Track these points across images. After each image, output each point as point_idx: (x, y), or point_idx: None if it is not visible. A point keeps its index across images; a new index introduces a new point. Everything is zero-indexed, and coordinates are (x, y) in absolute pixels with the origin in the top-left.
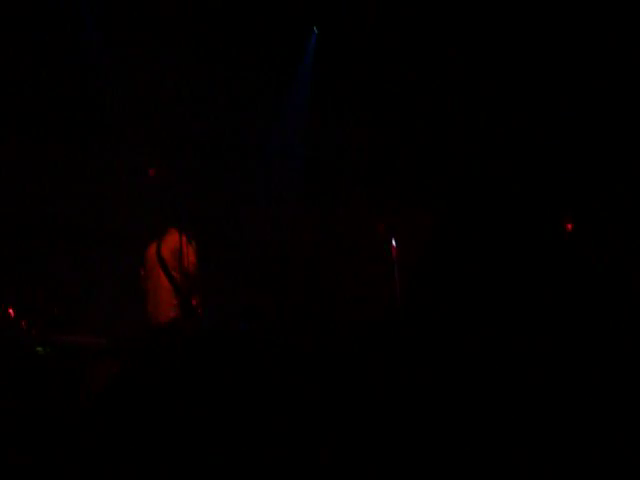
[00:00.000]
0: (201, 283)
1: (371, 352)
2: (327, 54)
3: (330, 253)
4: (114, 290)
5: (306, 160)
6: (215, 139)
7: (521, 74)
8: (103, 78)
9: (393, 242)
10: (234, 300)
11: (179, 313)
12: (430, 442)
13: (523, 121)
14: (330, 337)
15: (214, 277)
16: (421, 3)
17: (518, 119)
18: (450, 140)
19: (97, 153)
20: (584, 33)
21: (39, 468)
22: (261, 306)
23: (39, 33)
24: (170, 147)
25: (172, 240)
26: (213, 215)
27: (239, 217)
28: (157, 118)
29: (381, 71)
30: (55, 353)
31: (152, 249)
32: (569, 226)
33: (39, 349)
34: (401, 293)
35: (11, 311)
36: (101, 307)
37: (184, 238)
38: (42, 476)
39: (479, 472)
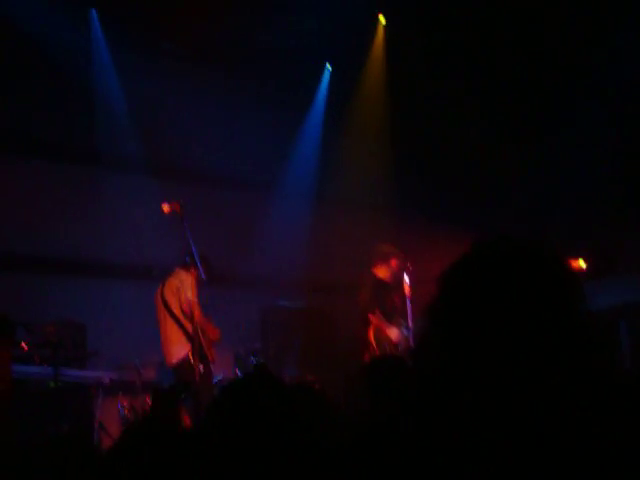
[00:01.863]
0: (203, 320)
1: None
2: (339, 91)
3: (337, 286)
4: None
5: (317, 196)
6: (229, 174)
7: None
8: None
9: (406, 279)
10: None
11: (190, 352)
12: None
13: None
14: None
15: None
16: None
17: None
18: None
19: (118, 186)
20: None
21: None
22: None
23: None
24: (184, 182)
25: (173, 280)
26: (223, 252)
27: (250, 253)
28: (172, 153)
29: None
30: (67, 387)
31: (158, 290)
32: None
33: (51, 383)
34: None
35: (24, 345)
36: (116, 342)
37: (186, 276)
38: None
39: None
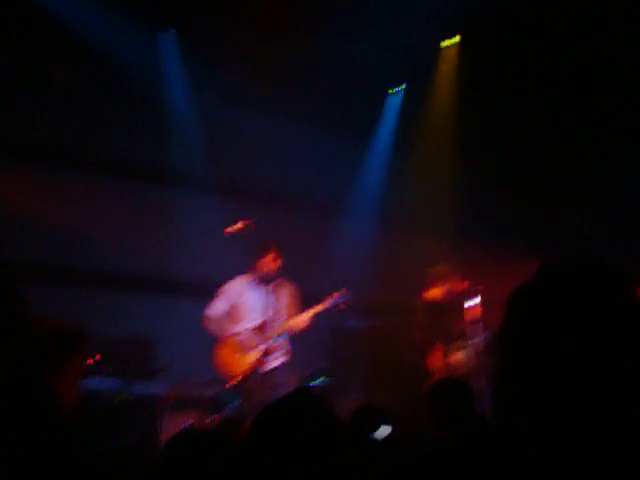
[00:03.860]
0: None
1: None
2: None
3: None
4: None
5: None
6: (296, 196)
7: None
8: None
9: (476, 300)
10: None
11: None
12: None
13: None
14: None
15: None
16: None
17: None
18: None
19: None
20: None
21: None
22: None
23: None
24: (252, 203)
25: None
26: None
27: (317, 275)
28: (241, 174)
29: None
30: (134, 402)
31: None
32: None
33: (119, 398)
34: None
35: (94, 359)
36: (184, 358)
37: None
38: None
39: None
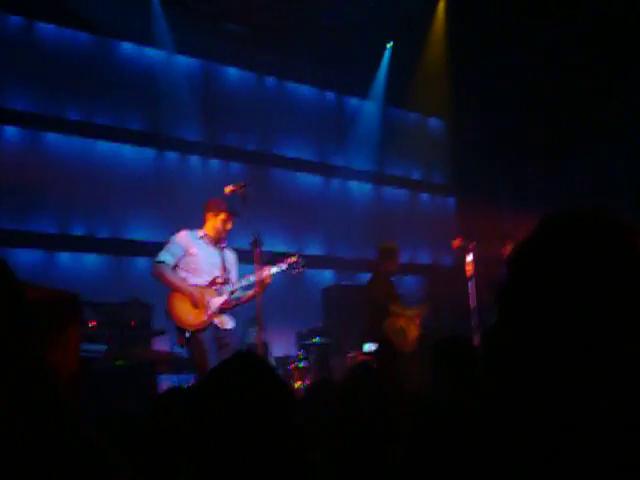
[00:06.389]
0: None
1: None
2: (400, 69)
3: None
4: None
5: (377, 175)
6: (289, 154)
7: None
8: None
9: (469, 258)
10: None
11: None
12: None
13: None
14: None
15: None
16: None
17: None
18: None
19: (180, 168)
20: None
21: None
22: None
23: None
24: (244, 163)
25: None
26: (283, 233)
27: (311, 234)
28: (231, 134)
29: (457, 84)
30: (133, 365)
31: None
32: None
33: (119, 362)
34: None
35: (92, 324)
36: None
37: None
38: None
39: None
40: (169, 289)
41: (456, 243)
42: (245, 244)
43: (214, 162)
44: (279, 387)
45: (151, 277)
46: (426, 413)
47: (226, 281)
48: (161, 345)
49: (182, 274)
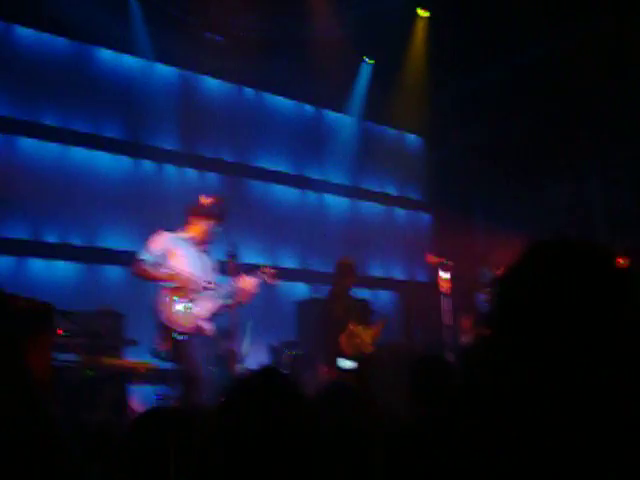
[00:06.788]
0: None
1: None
2: (379, 85)
3: None
4: None
5: (354, 190)
6: (264, 166)
7: None
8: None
9: (444, 275)
10: None
11: None
12: None
13: None
14: None
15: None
16: None
17: None
18: None
19: (157, 178)
20: None
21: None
22: None
23: None
24: (221, 173)
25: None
26: (260, 245)
27: (286, 246)
28: (209, 144)
29: (435, 101)
30: (103, 376)
31: None
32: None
33: (88, 372)
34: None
35: (61, 333)
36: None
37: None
38: None
39: None
40: (158, 287)
41: (430, 259)
42: (220, 255)
43: (190, 172)
44: (305, 407)
45: (128, 282)
46: (405, 434)
47: (214, 285)
48: (132, 355)
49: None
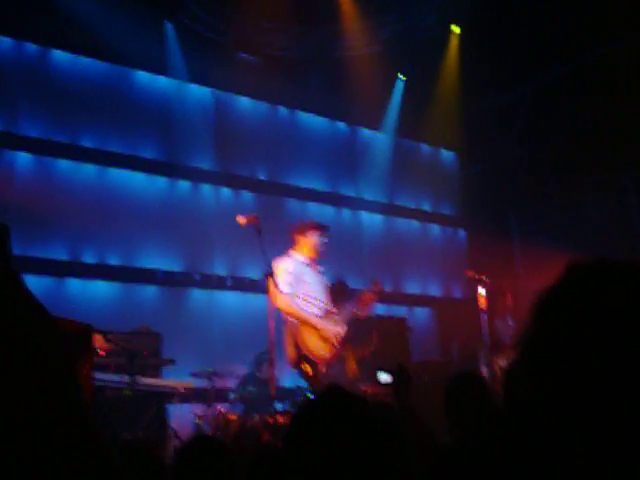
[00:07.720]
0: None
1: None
2: (412, 101)
3: None
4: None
5: (388, 207)
6: (300, 184)
7: None
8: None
9: (482, 291)
10: None
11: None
12: None
13: None
14: None
15: None
16: None
17: None
18: None
19: (193, 197)
20: None
21: None
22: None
23: None
24: (257, 192)
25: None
26: None
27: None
28: (245, 163)
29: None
30: (142, 395)
31: None
32: None
33: (127, 391)
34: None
35: (101, 353)
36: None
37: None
38: None
39: None
40: (289, 320)
41: (469, 275)
42: (258, 274)
43: (226, 191)
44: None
45: (165, 302)
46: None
47: (335, 310)
48: (171, 374)
49: (299, 303)
